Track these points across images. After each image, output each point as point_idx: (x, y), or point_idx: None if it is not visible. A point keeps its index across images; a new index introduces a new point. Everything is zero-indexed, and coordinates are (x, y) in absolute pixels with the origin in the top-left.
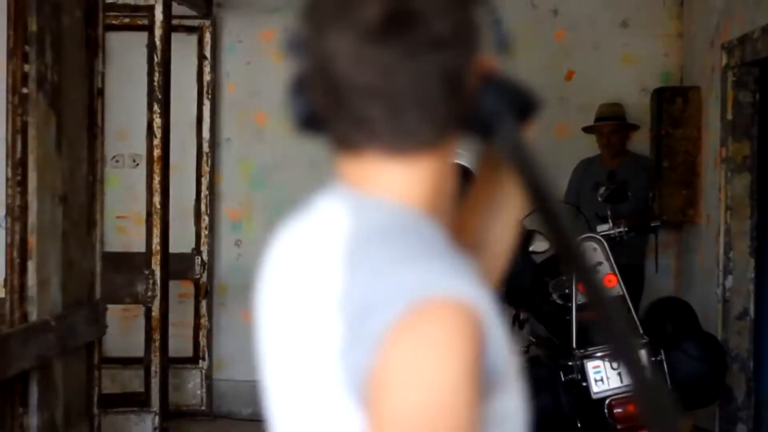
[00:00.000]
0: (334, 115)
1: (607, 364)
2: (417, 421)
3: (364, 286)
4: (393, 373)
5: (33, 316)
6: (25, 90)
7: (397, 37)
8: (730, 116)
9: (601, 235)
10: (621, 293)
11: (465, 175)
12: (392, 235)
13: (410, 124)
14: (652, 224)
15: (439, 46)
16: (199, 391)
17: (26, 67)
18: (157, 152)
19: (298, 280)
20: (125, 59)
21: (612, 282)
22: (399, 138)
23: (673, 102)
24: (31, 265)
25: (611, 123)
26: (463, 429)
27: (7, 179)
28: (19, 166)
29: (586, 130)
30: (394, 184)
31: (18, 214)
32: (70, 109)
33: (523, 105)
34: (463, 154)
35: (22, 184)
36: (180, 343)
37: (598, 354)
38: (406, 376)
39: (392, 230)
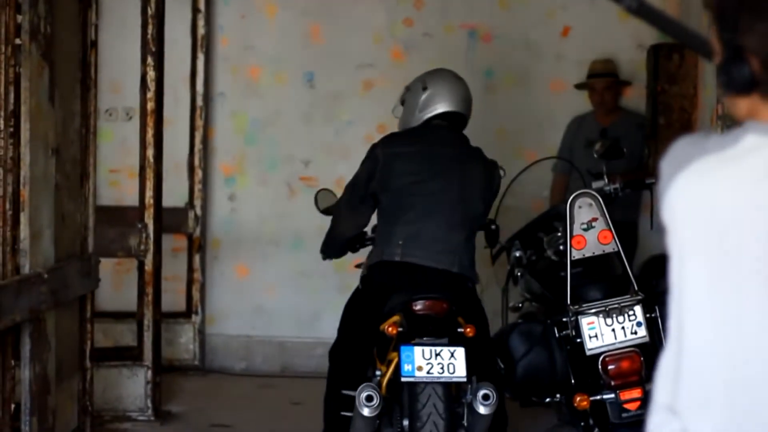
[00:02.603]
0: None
1: (602, 320)
2: None
3: None
4: None
5: (25, 269)
6: (17, 41)
7: None
8: None
9: (596, 191)
10: (616, 249)
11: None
12: None
13: None
14: (648, 181)
15: None
16: (191, 346)
17: (19, 18)
18: (150, 105)
19: None
20: (118, 11)
21: (607, 238)
22: None
23: (669, 58)
24: (24, 218)
25: (604, 79)
26: None
27: None
28: (11, 118)
29: (579, 86)
30: None
31: (10, 166)
32: (63, 60)
33: None
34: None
35: (15, 135)
36: (173, 298)
37: (593, 310)
38: None
39: None
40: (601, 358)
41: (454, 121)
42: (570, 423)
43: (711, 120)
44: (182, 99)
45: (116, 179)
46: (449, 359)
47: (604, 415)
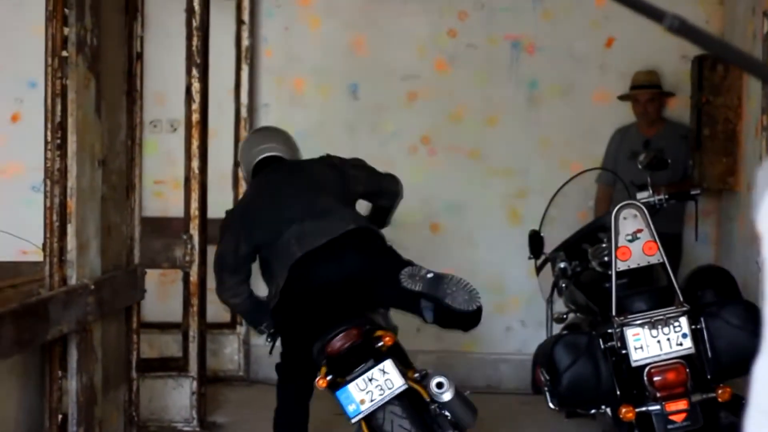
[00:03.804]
0: None
1: (647, 331)
2: None
3: None
4: None
5: (72, 280)
6: (64, 53)
7: None
8: None
9: (642, 203)
10: (661, 260)
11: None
12: None
13: None
14: (693, 192)
15: None
16: (236, 357)
17: (66, 31)
18: (195, 117)
19: None
20: (163, 23)
21: (652, 249)
22: None
23: (713, 69)
24: (71, 229)
25: (647, 91)
26: None
27: (47, 142)
28: (58, 129)
29: (622, 98)
30: None
31: (57, 177)
32: (109, 72)
33: None
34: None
35: (62, 147)
36: (217, 309)
37: (638, 321)
38: None
39: None
40: (646, 370)
41: (277, 160)
42: None
43: (756, 131)
44: (227, 110)
45: (161, 190)
46: (383, 377)
47: (650, 426)
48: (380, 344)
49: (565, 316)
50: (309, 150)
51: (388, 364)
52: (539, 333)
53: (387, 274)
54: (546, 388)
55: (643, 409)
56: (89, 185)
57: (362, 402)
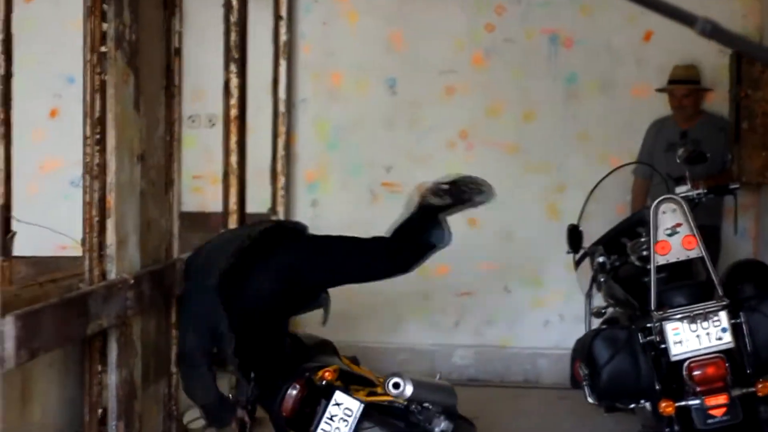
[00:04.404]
0: None
1: (686, 325)
2: None
3: None
4: None
5: (112, 275)
6: (103, 48)
7: None
8: None
9: (681, 197)
10: (700, 254)
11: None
12: None
13: None
14: (732, 187)
15: None
16: None
17: (104, 26)
18: (233, 112)
19: None
20: (201, 19)
21: (692, 244)
22: None
23: (752, 63)
24: (110, 224)
25: (683, 87)
26: None
27: (86, 138)
28: (97, 125)
29: (660, 90)
30: None
31: (97, 172)
32: (148, 68)
33: None
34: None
35: (101, 142)
36: None
37: (677, 316)
38: None
39: None
40: (686, 364)
41: None
42: (655, 429)
43: None
44: (264, 106)
45: (199, 185)
46: (340, 409)
47: (689, 421)
48: (324, 383)
49: (603, 311)
50: (348, 145)
51: (338, 395)
52: (578, 327)
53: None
54: (585, 383)
55: (683, 403)
56: (128, 180)
57: None
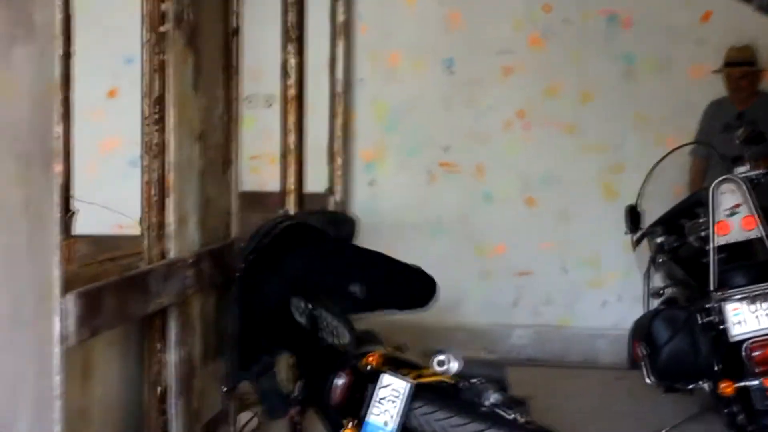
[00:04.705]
0: None
1: (746, 306)
2: None
3: None
4: None
5: (171, 253)
6: (162, 28)
7: None
8: None
9: (740, 177)
10: (760, 235)
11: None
12: None
13: None
14: None
15: None
16: None
17: (163, 6)
18: (291, 92)
19: None
20: None
21: (751, 224)
22: None
23: None
24: (170, 203)
25: (739, 69)
26: None
27: (145, 117)
28: (157, 104)
29: (716, 72)
30: None
31: (156, 152)
32: (207, 48)
33: None
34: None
35: (160, 122)
36: None
37: (737, 296)
38: None
39: None
40: (745, 345)
41: None
42: (714, 410)
43: None
44: (322, 86)
45: (257, 165)
46: (388, 391)
47: (749, 401)
48: (369, 368)
49: (662, 291)
50: (405, 125)
51: (385, 378)
52: (636, 308)
53: None
54: (644, 363)
55: (742, 384)
56: (188, 159)
57: (386, 423)
